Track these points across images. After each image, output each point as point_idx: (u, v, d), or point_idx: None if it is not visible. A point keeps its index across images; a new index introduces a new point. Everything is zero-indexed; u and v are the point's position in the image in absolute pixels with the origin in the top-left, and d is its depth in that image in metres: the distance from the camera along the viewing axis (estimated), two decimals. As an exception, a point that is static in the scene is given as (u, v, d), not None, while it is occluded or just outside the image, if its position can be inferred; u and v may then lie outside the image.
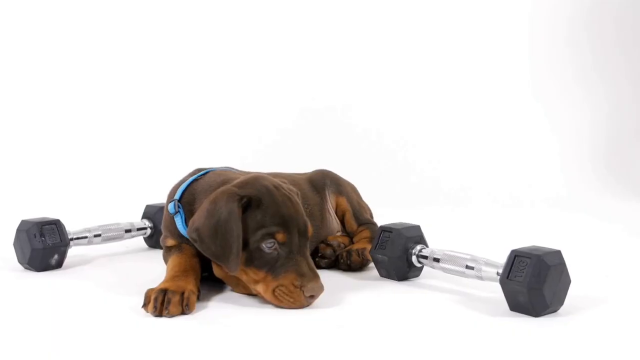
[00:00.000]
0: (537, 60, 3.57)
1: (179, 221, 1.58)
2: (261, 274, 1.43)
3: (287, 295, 1.41)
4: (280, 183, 1.52)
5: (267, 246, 1.42)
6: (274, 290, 1.42)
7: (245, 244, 1.42)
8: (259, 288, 1.44)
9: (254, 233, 1.42)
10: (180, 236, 1.59)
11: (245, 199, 1.42)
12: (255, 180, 1.48)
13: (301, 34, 3.42)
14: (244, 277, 1.46)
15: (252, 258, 1.43)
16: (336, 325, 1.34)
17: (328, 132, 3.33)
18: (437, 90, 3.49)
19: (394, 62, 3.48)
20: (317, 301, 1.45)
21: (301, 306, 1.42)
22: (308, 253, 1.47)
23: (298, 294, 1.41)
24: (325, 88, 3.42)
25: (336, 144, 3.30)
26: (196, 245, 1.46)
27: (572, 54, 3.60)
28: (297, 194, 1.56)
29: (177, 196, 1.60)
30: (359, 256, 1.77)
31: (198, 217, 1.46)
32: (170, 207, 1.59)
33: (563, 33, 3.60)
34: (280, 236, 1.42)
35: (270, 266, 1.42)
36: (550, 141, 3.50)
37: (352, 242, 1.90)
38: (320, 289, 1.43)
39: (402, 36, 3.49)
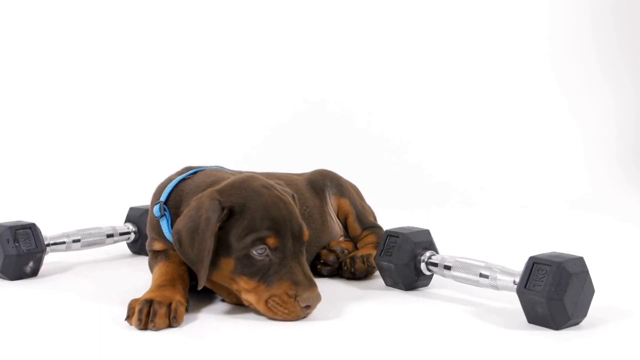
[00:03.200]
0: (558, 47, 3.57)
1: (164, 225, 1.58)
2: (252, 283, 1.43)
3: (280, 306, 1.41)
4: (273, 184, 1.52)
5: (257, 252, 1.42)
6: (266, 301, 1.41)
7: (232, 252, 1.42)
8: (251, 298, 1.44)
9: (242, 239, 1.41)
10: (166, 237, 1.59)
11: (225, 210, 1.42)
12: (243, 183, 1.48)
13: (304, 27, 3.44)
14: (234, 287, 1.47)
15: (243, 266, 1.42)
16: (335, 341, 1.34)
17: (328, 129, 3.34)
18: (449, 81, 3.51)
19: (401, 52, 3.49)
20: (315, 313, 1.45)
21: (297, 317, 1.42)
22: (304, 259, 1.47)
23: (293, 305, 1.40)
24: (325, 81, 3.43)
25: (337, 142, 3.30)
26: (176, 248, 1.48)
27: (597, 40, 3.60)
28: (293, 196, 1.57)
29: (162, 198, 1.60)
30: (364, 263, 1.77)
31: (180, 220, 1.48)
32: (156, 209, 1.60)
33: (587, 17, 3.59)
34: (271, 241, 1.42)
35: (262, 274, 1.42)
36: (574, 136, 3.51)
37: (355, 248, 1.90)
38: (317, 298, 1.42)
39: (411, 25, 3.50)
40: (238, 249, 1.42)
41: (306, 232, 1.48)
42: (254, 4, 3.42)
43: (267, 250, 1.42)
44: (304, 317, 1.44)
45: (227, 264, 1.44)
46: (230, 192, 1.45)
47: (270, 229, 1.42)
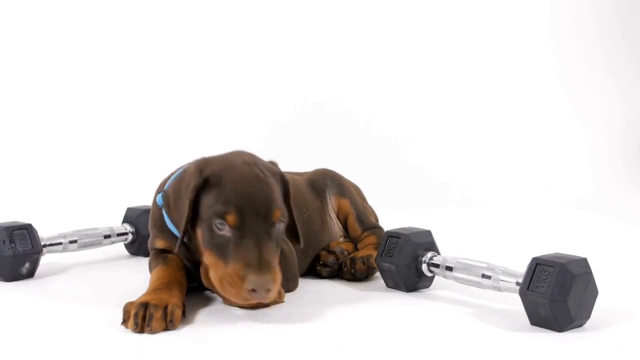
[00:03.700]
0: (560, 42, 3.57)
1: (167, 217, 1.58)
2: (213, 258, 1.43)
3: (230, 285, 1.39)
4: (260, 162, 1.51)
5: (217, 227, 1.41)
6: (221, 279, 1.41)
7: (201, 222, 1.44)
8: (211, 274, 1.44)
9: (207, 211, 1.42)
10: (171, 235, 1.58)
11: (202, 179, 1.44)
12: (230, 155, 1.50)
13: (304, 27, 3.45)
14: (204, 260, 1.47)
15: (208, 238, 1.43)
16: (335, 342, 1.33)
17: (328, 129, 3.34)
18: (449, 80, 3.50)
19: (401, 52, 3.50)
20: (314, 314, 1.45)
21: (244, 301, 1.40)
22: (270, 242, 1.42)
23: (240, 287, 1.38)
24: (325, 81, 3.43)
25: (336, 142, 3.30)
26: (164, 211, 1.50)
27: (601, 36, 3.59)
28: (282, 177, 1.53)
29: (167, 187, 1.60)
30: (364, 264, 1.77)
31: (170, 183, 1.52)
32: (159, 198, 1.60)
33: (590, 11, 3.58)
34: (230, 218, 1.40)
35: (222, 251, 1.41)
36: (577, 134, 3.50)
37: (356, 249, 1.90)
38: (266, 285, 1.36)
39: (411, 25, 3.50)
40: (204, 220, 1.43)
41: (277, 214, 1.44)
42: (254, 3, 3.42)
43: (227, 227, 1.41)
44: (255, 304, 1.41)
45: (200, 234, 1.45)
46: (213, 162, 1.48)
47: (233, 205, 1.40)
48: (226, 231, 1.41)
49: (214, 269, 1.43)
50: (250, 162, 1.48)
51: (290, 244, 1.68)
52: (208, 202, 1.43)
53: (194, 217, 1.46)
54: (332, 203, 1.92)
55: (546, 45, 3.56)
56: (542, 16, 3.58)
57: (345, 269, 1.78)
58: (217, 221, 1.41)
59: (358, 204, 1.94)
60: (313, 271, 1.82)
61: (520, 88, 3.53)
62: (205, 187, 1.44)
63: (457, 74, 3.52)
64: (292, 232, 1.58)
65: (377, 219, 1.99)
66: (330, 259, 1.81)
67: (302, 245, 1.60)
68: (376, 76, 3.48)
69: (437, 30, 3.53)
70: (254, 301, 1.40)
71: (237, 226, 1.40)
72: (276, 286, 1.40)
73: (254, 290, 1.37)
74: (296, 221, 1.56)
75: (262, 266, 1.38)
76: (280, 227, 1.46)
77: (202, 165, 1.47)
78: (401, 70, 3.49)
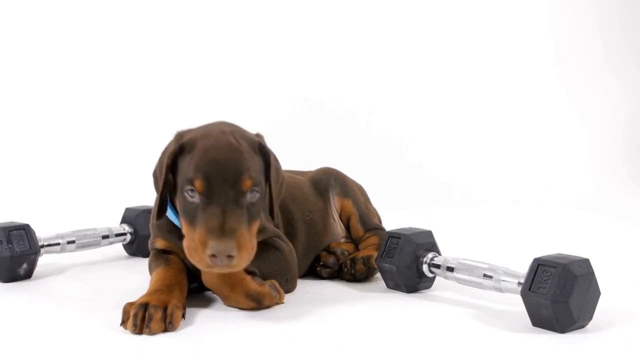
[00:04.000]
0: (562, 40, 3.56)
1: (169, 210, 1.57)
2: (185, 226, 1.44)
3: (194, 252, 1.40)
4: (239, 131, 1.51)
5: (188, 194, 1.42)
6: (189, 246, 1.42)
7: (177, 189, 1.46)
8: (184, 243, 1.45)
9: (180, 178, 1.45)
10: (172, 234, 1.58)
11: (178, 146, 1.46)
12: (209, 125, 1.52)
13: (305, 27, 3.45)
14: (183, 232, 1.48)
15: (182, 207, 1.45)
16: (335, 342, 1.33)
17: (328, 129, 3.34)
18: (449, 80, 3.51)
19: (401, 52, 3.50)
20: (314, 315, 1.44)
21: (206, 266, 1.40)
22: (237, 210, 1.41)
23: (202, 252, 1.38)
24: (325, 80, 3.43)
25: (336, 142, 3.30)
26: (154, 183, 1.53)
27: (602, 33, 3.58)
28: (259, 146, 1.51)
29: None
30: (364, 265, 1.77)
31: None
32: None
33: (591, 9, 3.58)
34: (198, 183, 1.41)
35: (191, 217, 1.42)
36: (579, 134, 3.50)
37: (357, 250, 1.90)
38: (226, 251, 1.36)
39: (411, 24, 3.50)
40: (179, 188, 1.45)
41: (247, 182, 1.42)
42: (254, 3, 3.42)
43: (196, 193, 1.41)
44: (217, 269, 1.39)
45: (178, 203, 1.47)
46: (192, 131, 1.50)
47: (201, 171, 1.41)
48: (196, 198, 1.42)
49: (185, 237, 1.44)
50: (227, 131, 1.48)
51: (290, 244, 1.68)
52: (182, 169, 1.46)
53: (176, 189, 1.48)
54: (335, 203, 1.92)
55: (547, 44, 3.56)
56: (542, 15, 3.58)
57: (346, 269, 1.78)
58: (188, 187, 1.42)
59: (361, 205, 1.93)
60: (313, 272, 1.82)
61: (520, 88, 3.53)
62: (181, 154, 1.46)
63: (457, 73, 3.52)
64: (269, 206, 1.57)
65: (380, 220, 1.99)
66: (331, 259, 1.81)
67: (274, 219, 1.58)
68: (376, 76, 3.48)
69: (437, 29, 3.53)
70: (217, 268, 1.39)
71: (204, 192, 1.40)
72: (242, 254, 1.38)
73: (214, 256, 1.37)
74: (274, 197, 1.54)
75: (224, 232, 1.37)
76: (254, 197, 1.45)
77: (182, 133, 1.50)
78: (401, 71, 3.49)
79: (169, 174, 1.49)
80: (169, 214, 1.57)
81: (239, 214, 1.40)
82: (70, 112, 3.20)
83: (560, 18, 3.60)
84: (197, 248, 1.38)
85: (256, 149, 1.50)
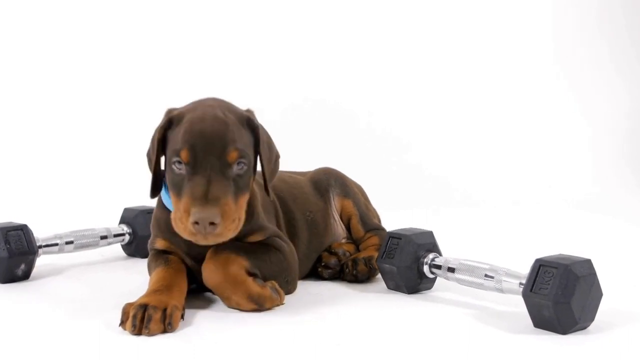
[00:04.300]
0: (561, 40, 3.56)
1: (163, 192, 1.59)
2: (174, 198, 1.46)
3: (179, 221, 1.42)
4: (227, 106, 1.52)
5: (176, 166, 1.45)
6: (174, 217, 1.43)
7: (167, 162, 1.48)
8: (171, 215, 1.46)
9: (168, 152, 1.47)
10: (173, 234, 1.56)
11: (167, 120, 1.49)
12: (199, 100, 1.54)
13: (305, 26, 3.45)
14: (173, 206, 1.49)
15: (170, 180, 1.47)
16: (335, 342, 1.33)
17: (328, 129, 3.34)
18: (450, 80, 3.51)
19: (401, 51, 3.50)
20: (314, 316, 1.44)
21: (190, 234, 1.41)
22: (222, 180, 1.42)
23: (186, 220, 1.40)
24: (325, 80, 3.43)
25: (336, 142, 3.30)
26: (148, 165, 1.56)
27: (603, 32, 3.58)
28: (247, 120, 1.52)
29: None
30: (366, 265, 1.77)
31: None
32: (163, 195, 1.61)
33: (594, 9, 3.58)
34: (183, 154, 1.43)
35: (178, 189, 1.44)
36: (579, 134, 3.50)
37: (358, 250, 1.90)
38: (209, 217, 1.37)
39: (411, 23, 3.51)
40: (168, 162, 1.47)
41: (233, 153, 1.44)
42: (254, 3, 3.42)
43: (183, 164, 1.43)
44: (200, 237, 1.40)
45: (167, 177, 1.49)
46: (182, 107, 1.53)
47: (187, 143, 1.43)
48: (182, 169, 1.43)
49: (174, 208, 1.46)
50: (214, 105, 1.51)
51: (291, 245, 1.68)
52: (171, 142, 1.48)
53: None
54: (335, 204, 1.92)
55: (546, 44, 3.56)
56: (541, 15, 3.58)
57: (347, 270, 1.78)
58: (175, 159, 1.44)
59: (361, 205, 1.93)
60: (314, 273, 1.82)
61: (520, 88, 3.53)
62: (170, 128, 1.49)
63: (457, 73, 3.52)
64: (264, 183, 1.57)
65: (379, 220, 1.99)
66: (332, 260, 1.81)
67: (269, 195, 1.59)
68: (376, 76, 3.48)
69: (438, 29, 3.53)
70: (200, 236, 1.40)
71: (190, 163, 1.42)
72: (226, 222, 1.39)
73: (197, 223, 1.38)
74: (267, 173, 1.55)
75: (207, 200, 1.39)
76: (241, 169, 1.46)
77: (171, 109, 1.53)
78: (401, 71, 3.49)
79: (161, 149, 1.51)
80: (164, 198, 1.58)
81: (224, 184, 1.42)
82: (68, 111, 3.20)
83: (559, 18, 3.60)
84: (181, 217, 1.41)
85: (244, 122, 1.52)
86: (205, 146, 1.42)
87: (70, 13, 3.25)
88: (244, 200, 1.47)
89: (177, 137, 1.45)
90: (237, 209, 1.43)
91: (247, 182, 1.48)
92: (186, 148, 1.42)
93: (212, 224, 1.38)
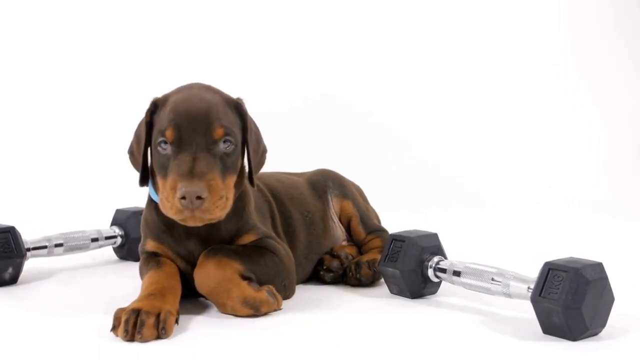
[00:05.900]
0: (562, 39, 3.56)
1: (151, 189, 1.59)
2: (160, 180, 1.47)
3: (166, 200, 1.43)
4: (214, 89, 1.54)
5: (162, 147, 1.46)
6: (162, 197, 1.45)
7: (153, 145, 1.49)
8: (158, 195, 1.47)
9: (154, 134, 1.49)
10: (160, 232, 1.58)
11: (152, 104, 1.51)
12: (186, 84, 1.56)
13: (305, 26, 3.47)
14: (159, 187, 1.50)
15: (156, 162, 1.48)
16: (335, 343, 1.33)
17: (327, 128, 3.34)
18: (453, 79, 3.52)
19: (403, 50, 3.52)
20: (313, 320, 1.43)
21: (177, 212, 1.41)
22: (208, 157, 1.44)
23: (173, 197, 1.41)
24: (326, 79, 3.44)
25: (336, 141, 3.31)
26: (130, 162, 1.57)
27: (604, 31, 3.58)
28: (235, 104, 1.54)
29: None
30: (370, 269, 1.76)
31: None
32: (152, 193, 1.60)
33: (593, 9, 3.59)
34: (168, 133, 1.45)
35: (164, 169, 1.45)
36: (579, 134, 3.51)
37: (359, 253, 1.89)
38: (196, 192, 1.38)
39: (414, 21, 3.52)
40: (154, 145, 1.48)
41: (218, 131, 1.46)
42: (254, 2, 3.42)
43: (168, 145, 1.45)
44: (187, 214, 1.40)
45: (154, 160, 1.50)
46: (168, 91, 1.54)
47: (172, 122, 1.45)
48: (167, 149, 1.45)
49: (160, 189, 1.47)
50: (201, 87, 1.53)
51: (286, 246, 1.67)
52: (156, 125, 1.49)
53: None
54: (334, 205, 1.91)
55: (547, 44, 3.57)
56: (540, 14, 3.59)
57: (350, 274, 1.77)
58: (160, 139, 1.46)
59: (361, 206, 1.93)
60: (315, 277, 1.81)
61: (520, 88, 3.55)
62: (156, 112, 1.51)
63: (459, 73, 3.54)
64: (249, 173, 1.58)
65: (379, 220, 1.99)
66: (334, 263, 1.80)
67: (254, 185, 1.59)
68: (376, 76, 3.49)
69: (440, 26, 3.54)
70: (188, 213, 1.40)
71: (175, 142, 1.44)
72: (213, 197, 1.40)
73: (184, 198, 1.39)
74: (253, 164, 1.56)
75: (193, 175, 1.40)
76: (228, 148, 1.47)
77: (158, 95, 1.54)
78: (403, 70, 3.51)
79: (149, 134, 1.52)
80: (151, 192, 1.59)
81: (210, 161, 1.44)
82: (58, 111, 3.21)
83: (558, 17, 3.60)
84: (168, 195, 1.41)
85: (232, 105, 1.54)
86: (190, 124, 1.44)
87: (61, 14, 3.26)
88: (231, 180, 1.48)
89: (162, 118, 1.47)
90: (224, 187, 1.45)
91: (235, 162, 1.50)
92: (171, 127, 1.44)
93: (199, 198, 1.39)
